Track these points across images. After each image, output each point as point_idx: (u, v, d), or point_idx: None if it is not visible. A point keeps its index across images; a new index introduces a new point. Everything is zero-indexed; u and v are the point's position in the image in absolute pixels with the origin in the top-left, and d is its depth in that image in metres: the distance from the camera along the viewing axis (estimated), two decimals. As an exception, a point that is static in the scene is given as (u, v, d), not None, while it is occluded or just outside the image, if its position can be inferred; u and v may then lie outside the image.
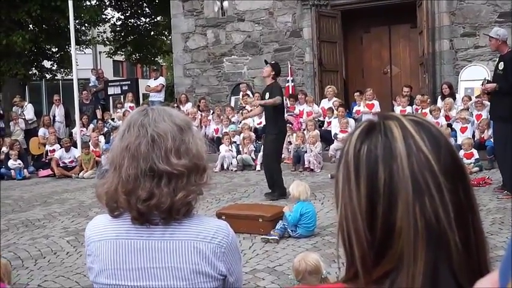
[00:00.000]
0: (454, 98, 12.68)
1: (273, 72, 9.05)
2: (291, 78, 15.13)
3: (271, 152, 9.25)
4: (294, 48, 15.33)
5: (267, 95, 9.12)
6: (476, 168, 10.58)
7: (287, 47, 15.39)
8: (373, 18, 15.59)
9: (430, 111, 12.07)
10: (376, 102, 13.39)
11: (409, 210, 0.90)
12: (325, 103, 14.09)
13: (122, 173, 1.60)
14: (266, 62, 9.78)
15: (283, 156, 12.76)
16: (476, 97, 12.08)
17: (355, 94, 14.23)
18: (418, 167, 0.92)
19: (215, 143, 13.04)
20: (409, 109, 12.77)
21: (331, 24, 15.24)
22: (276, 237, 6.60)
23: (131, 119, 1.67)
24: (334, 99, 13.92)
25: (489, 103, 9.85)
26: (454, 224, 0.91)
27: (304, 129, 12.91)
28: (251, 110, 12.06)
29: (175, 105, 15.12)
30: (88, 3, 21.96)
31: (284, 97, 10.09)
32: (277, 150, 9.44)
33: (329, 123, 13.34)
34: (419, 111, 12.42)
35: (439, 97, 13.10)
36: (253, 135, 13.32)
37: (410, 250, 0.90)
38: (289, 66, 15.15)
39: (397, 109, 13.01)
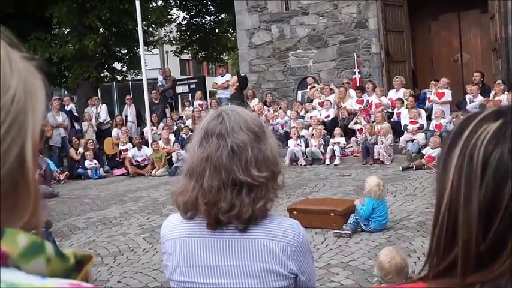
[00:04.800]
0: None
1: (237, 84, 8.62)
2: (358, 70, 14.92)
3: None
4: (360, 40, 15.10)
5: None
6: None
7: (353, 38, 15.18)
8: (441, 5, 15.15)
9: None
10: (447, 91, 12.98)
11: None
12: (393, 94, 13.82)
13: (204, 183, 1.61)
14: (237, 73, 9.37)
15: (352, 149, 12.70)
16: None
17: (432, 82, 13.78)
18: None
19: (283, 137, 13.00)
20: (480, 98, 12.30)
21: (397, 13, 14.94)
22: (349, 232, 6.54)
23: (208, 127, 1.65)
24: (402, 89, 13.63)
25: None
26: None
27: (373, 121, 12.71)
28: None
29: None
30: (154, 4, 22.42)
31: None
32: None
33: (398, 114, 13.08)
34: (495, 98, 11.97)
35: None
36: (322, 128, 13.24)
37: None
38: (356, 57, 14.95)
39: (468, 97, 12.59)
